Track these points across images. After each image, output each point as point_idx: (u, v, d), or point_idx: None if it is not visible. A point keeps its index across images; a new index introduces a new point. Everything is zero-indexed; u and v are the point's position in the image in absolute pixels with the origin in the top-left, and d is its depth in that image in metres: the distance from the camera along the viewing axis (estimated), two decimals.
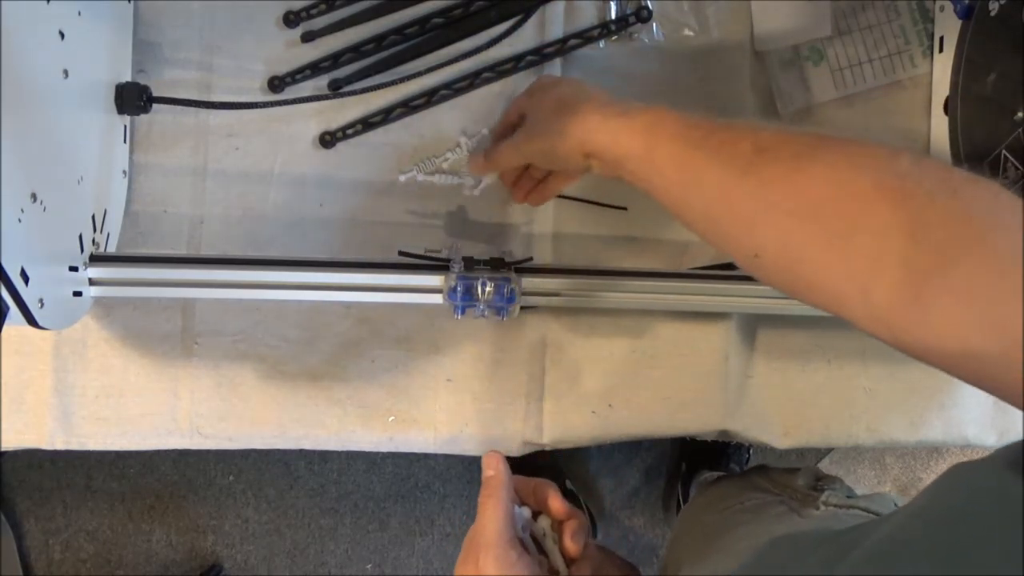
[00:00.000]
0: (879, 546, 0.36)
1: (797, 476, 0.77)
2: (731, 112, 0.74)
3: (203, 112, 0.69)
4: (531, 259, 0.67)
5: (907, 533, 0.36)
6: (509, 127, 0.66)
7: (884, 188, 0.40)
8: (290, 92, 0.70)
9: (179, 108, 0.69)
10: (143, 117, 0.68)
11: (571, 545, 0.53)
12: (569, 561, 0.54)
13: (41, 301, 0.53)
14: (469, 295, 0.63)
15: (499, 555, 0.49)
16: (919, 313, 0.38)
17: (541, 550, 0.54)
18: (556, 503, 0.55)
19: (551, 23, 0.73)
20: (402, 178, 0.72)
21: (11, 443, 0.70)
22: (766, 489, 0.78)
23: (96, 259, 0.62)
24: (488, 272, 0.63)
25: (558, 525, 0.55)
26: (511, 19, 0.72)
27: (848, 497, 0.73)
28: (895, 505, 0.73)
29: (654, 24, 0.73)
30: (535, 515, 0.55)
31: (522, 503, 0.55)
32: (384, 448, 0.73)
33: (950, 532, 0.33)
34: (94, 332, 0.70)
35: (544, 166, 0.65)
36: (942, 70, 0.74)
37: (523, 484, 0.56)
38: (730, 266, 0.73)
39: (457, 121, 0.73)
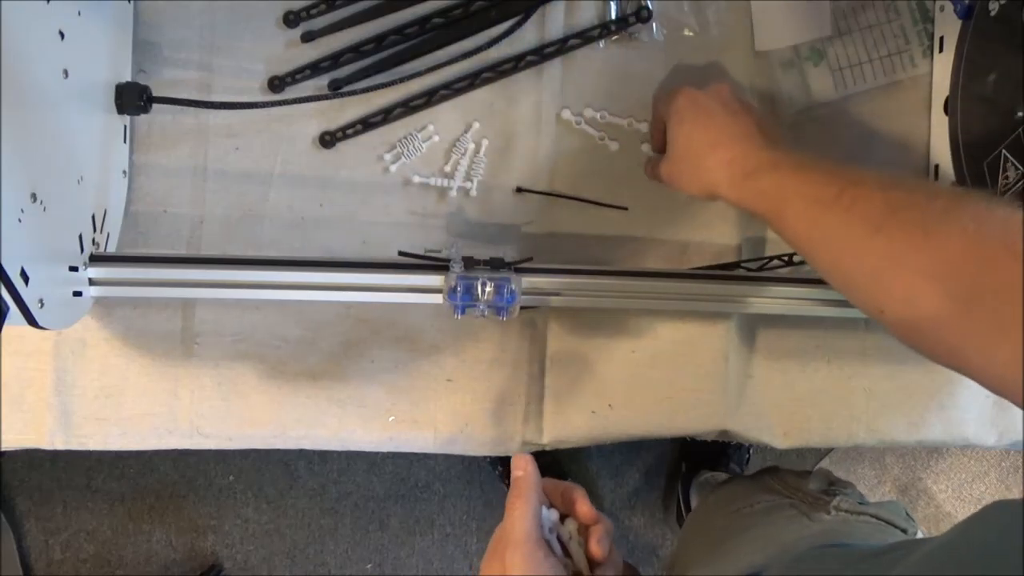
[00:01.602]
0: (910, 573, 0.36)
1: (809, 480, 0.77)
2: None
3: (203, 112, 0.69)
4: (531, 259, 0.67)
5: (938, 565, 0.36)
6: (659, 127, 0.69)
7: (1012, 250, 0.41)
8: (290, 92, 0.70)
9: (179, 108, 0.69)
10: (143, 117, 0.68)
11: (597, 549, 0.54)
12: (593, 565, 0.54)
13: (41, 301, 0.53)
14: (469, 295, 0.63)
15: (527, 554, 0.49)
16: None
17: (566, 553, 0.54)
18: (584, 507, 0.55)
19: (551, 23, 0.73)
20: (392, 167, 0.72)
21: (11, 443, 0.70)
22: (777, 491, 0.78)
23: (96, 259, 0.62)
24: (488, 272, 0.63)
25: (584, 529, 0.55)
26: (511, 19, 0.72)
27: (860, 503, 0.73)
28: (906, 513, 0.73)
29: (654, 24, 0.73)
30: (562, 518, 0.55)
31: (550, 505, 0.55)
32: (384, 448, 0.73)
33: (980, 568, 0.33)
34: (94, 332, 0.70)
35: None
36: (942, 70, 0.74)
37: (551, 487, 0.56)
38: (730, 266, 0.73)
39: (457, 121, 0.73)
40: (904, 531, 0.70)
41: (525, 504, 0.51)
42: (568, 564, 0.53)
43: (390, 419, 0.73)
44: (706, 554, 0.73)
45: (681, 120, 0.63)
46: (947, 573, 0.34)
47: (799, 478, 0.78)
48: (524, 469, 0.54)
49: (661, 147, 0.69)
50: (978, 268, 0.42)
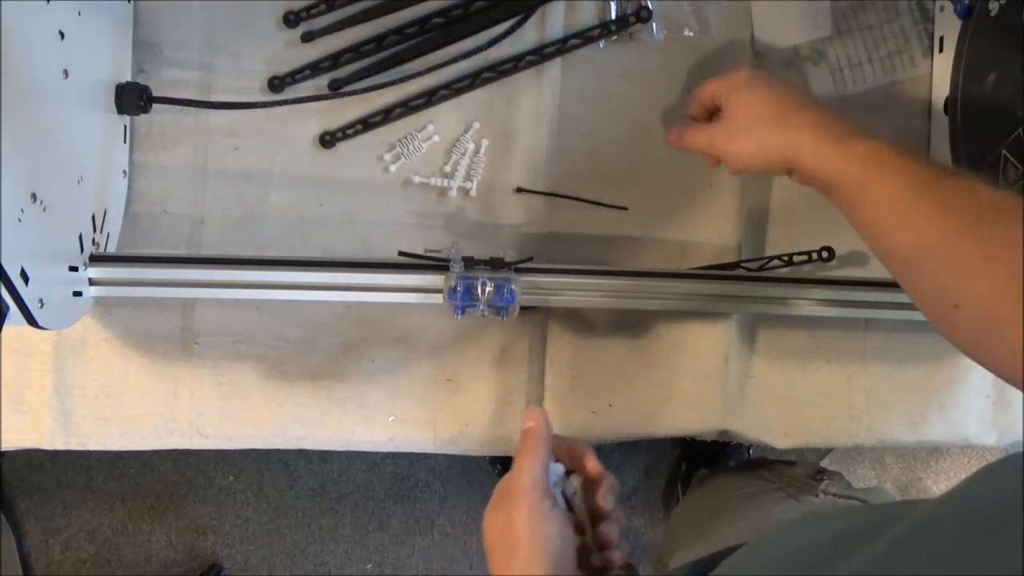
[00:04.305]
0: (916, 523, 0.36)
1: (797, 467, 0.78)
2: None
3: (203, 112, 0.69)
4: (531, 259, 0.67)
5: (944, 514, 0.35)
6: (700, 107, 0.63)
7: None
8: (290, 92, 0.70)
9: (179, 108, 0.69)
10: (143, 117, 0.68)
11: (603, 503, 0.54)
12: (596, 520, 0.54)
13: (41, 301, 0.53)
14: (469, 295, 0.63)
15: (532, 503, 0.49)
16: None
17: (569, 508, 0.54)
18: (591, 462, 0.55)
19: (551, 23, 0.73)
20: (392, 167, 0.72)
21: (11, 443, 0.70)
22: (765, 478, 0.78)
23: (96, 259, 0.62)
24: (488, 272, 0.63)
25: (589, 485, 0.55)
26: (511, 19, 0.72)
27: (847, 488, 0.73)
28: (893, 499, 0.73)
29: (654, 24, 0.73)
30: (568, 473, 0.55)
31: (556, 460, 0.55)
32: (384, 448, 0.73)
33: (990, 519, 0.32)
34: (94, 332, 0.70)
35: (734, 166, 0.60)
36: (942, 70, 0.74)
37: (558, 442, 0.56)
38: (730, 266, 0.73)
39: (457, 121, 0.73)
40: None
41: (534, 456, 0.51)
42: (571, 518, 0.53)
43: (390, 419, 0.73)
44: (694, 536, 0.73)
45: (751, 86, 0.57)
46: (955, 522, 0.34)
47: (787, 466, 0.79)
48: (535, 421, 0.54)
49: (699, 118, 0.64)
50: None
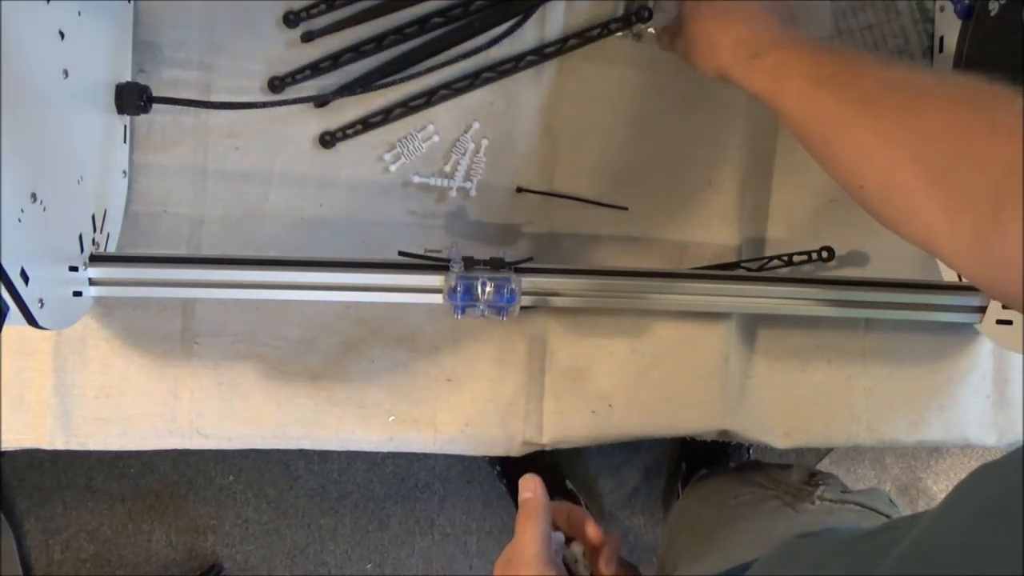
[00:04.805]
0: (908, 551, 0.36)
1: (791, 472, 0.77)
2: (729, 114, 0.74)
3: (203, 112, 0.69)
4: (531, 259, 0.67)
5: (934, 537, 0.36)
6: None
7: (997, 126, 0.41)
8: (290, 92, 0.70)
9: (179, 108, 0.69)
10: (143, 117, 0.68)
11: (607, 571, 0.54)
12: None
13: (41, 301, 0.53)
14: (469, 295, 0.63)
15: (537, 574, 0.49)
16: (1000, 244, 0.39)
17: (571, 575, 0.54)
18: (592, 529, 0.56)
19: (551, 23, 0.73)
20: (392, 167, 0.72)
21: (11, 443, 0.70)
22: (760, 484, 0.78)
23: (96, 259, 0.62)
24: (488, 272, 0.63)
25: (590, 551, 0.55)
26: (511, 19, 0.72)
27: (842, 492, 0.73)
28: (890, 500, 0.73)
29: (654, 24, 0.73)
30: (567, 541, 0.55)
31: (555, 528, 0.55)
32: (384, 448, 0.73)
33: (977, 533, 0.32)
34: (94, 332, 0.70)
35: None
36: (942, 70, 0.74)
37: (557, 509, 0.57)
38: (730, 266, 0.73)
39: (457, 121, 0.73)
40: (888, 516, 0.71)
41: (535, 525, 0.52)
42: None
43: (390, 419, 0.73)
44: (693, 550, 0.73)
45: (700, 15, 0.63)
46: (948, 542, 0.34)
47: (782, 471, 0.79)
48: (533, 491, 0.54)
49: (674, 30, 0.69)
50: (957, 141, 0.42)
